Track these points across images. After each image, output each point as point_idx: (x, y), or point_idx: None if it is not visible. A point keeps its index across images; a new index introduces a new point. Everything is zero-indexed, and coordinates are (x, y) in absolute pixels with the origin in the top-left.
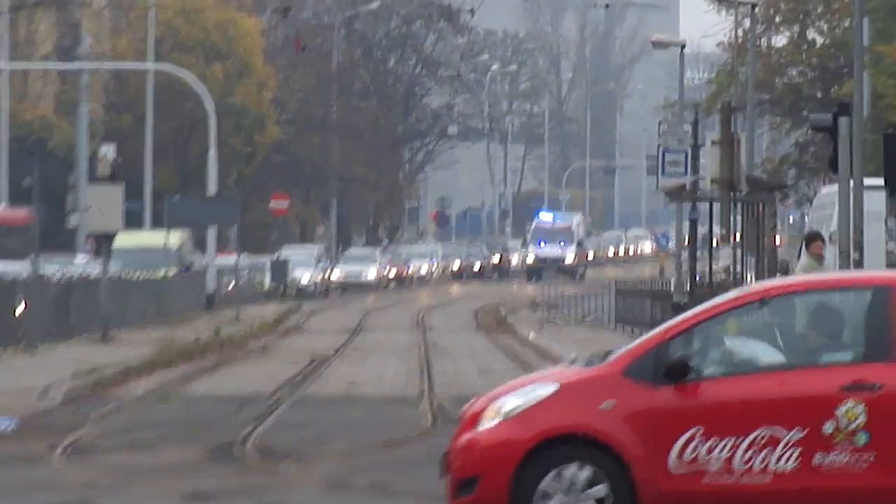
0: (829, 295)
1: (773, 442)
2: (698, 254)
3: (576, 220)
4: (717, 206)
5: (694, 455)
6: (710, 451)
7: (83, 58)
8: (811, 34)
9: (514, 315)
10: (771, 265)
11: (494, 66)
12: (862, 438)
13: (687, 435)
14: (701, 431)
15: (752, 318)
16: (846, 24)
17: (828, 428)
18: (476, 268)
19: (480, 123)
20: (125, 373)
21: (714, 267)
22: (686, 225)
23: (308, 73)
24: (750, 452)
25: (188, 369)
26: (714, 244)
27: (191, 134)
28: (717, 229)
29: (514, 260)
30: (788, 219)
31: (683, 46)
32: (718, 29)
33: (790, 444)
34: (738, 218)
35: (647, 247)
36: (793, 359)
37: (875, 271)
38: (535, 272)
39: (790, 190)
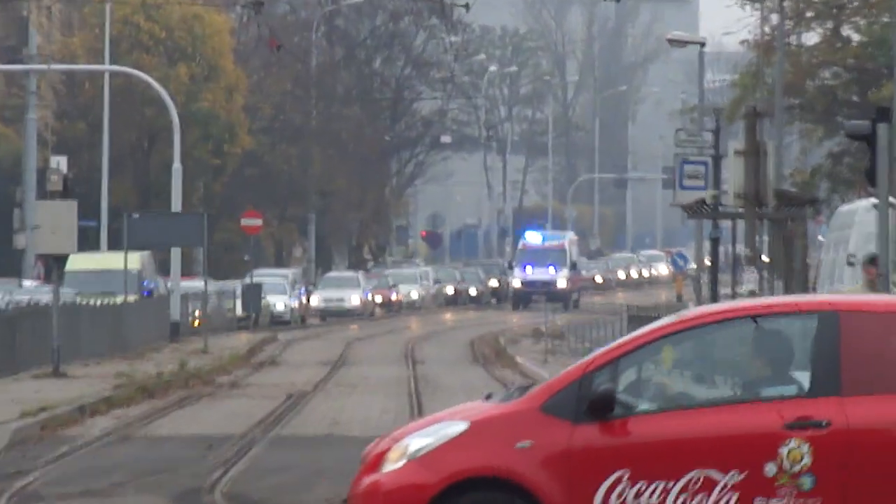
0: (772, 322)
1: (709, 486)
2: (720, 277)
3: (568, 240)
4: (741, 224)
5: (621, 501)
6: (638, 496)
7: (30, 59)
8: (846, 31)
9: (515, 345)
10: (801, 289)
11: (492, 68)
12: (807, 482)
13: (612, 478)
14: (628, 474)
15: (688, 348)
16: (885, 19)
17: (769, 470)
18: (472, 293)
19: (477, 131)
20: (79, 411)
21: (738, 291)
22: (707, 244)
23: (284, 76)
24: (682, 498)
25: (150, 407)
26: (738, 266)
27: (152, 144)
28: (741, 249)
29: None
30: (819, 237)
31: (703, 45)
32: (742, 25)
33: (727, 489)
34: (765, 236)
35: (662, 269)
36: (732, 393)
37: (824, 295)
38: (522, 299)
39: (823, 205)
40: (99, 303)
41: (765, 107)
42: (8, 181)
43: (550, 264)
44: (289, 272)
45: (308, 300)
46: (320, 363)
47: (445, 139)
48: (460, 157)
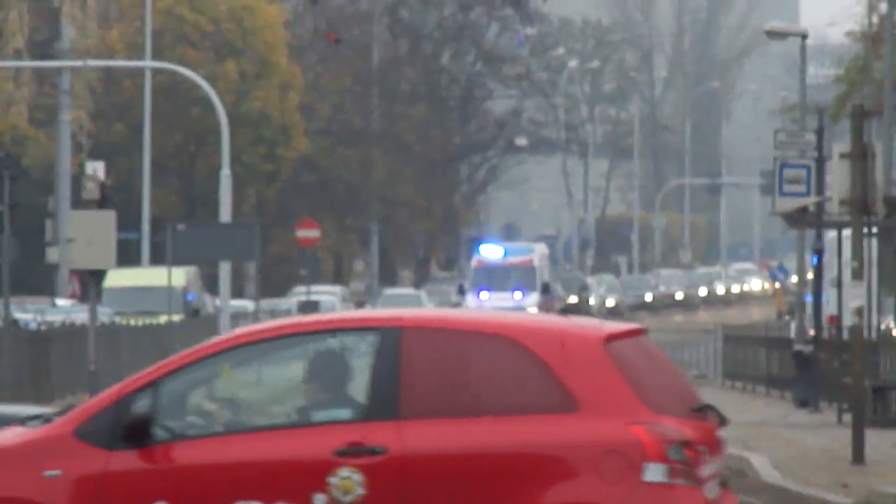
0: (334, 338)
1: None
2: (825, 292)
3: (538, 255)
4: (847, 233)
5: None
6: None
7: (64, 54)
8: None
9: None
10: None
11: (572, 63)
12: None
13: None
14: None
15: (241, 367)
16: None
17: (318, 501)
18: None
19: (555, 133)
20: None
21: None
22: (809, 256)
23: (342, 73)
24: None
25: None
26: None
27: (198, 148)
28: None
29: (593, 300)
30: None
31: (805, 37)
32: (848, 15)
33: None
34: (874, 248)
35: (754, 284)
36: (286, 416)
37: (389, 310)
38: None
39: None
40: (140, 323)
41: (873, 104)
42: (39, 189)
43: (516, 288)
44: (337, 289)
45: None
46: None
47: (521, 142)
48: (537, 162)
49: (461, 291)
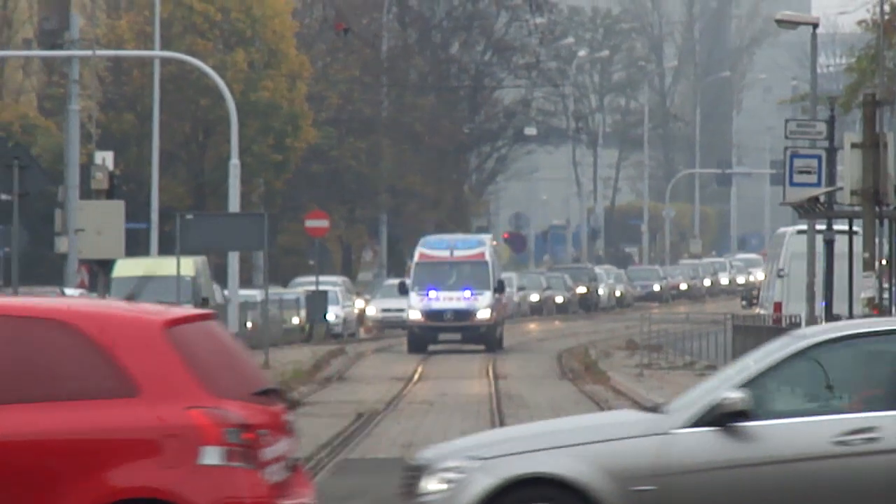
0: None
1: None
2: (835, 283)
3: (488, 247)
4: (858, 224)
5: None
6: None
7: (73, 44)
8: None
9: (607, 359)
10: None
11: (581, 53)
12: None
13: None
14: None
15: None
16: None
17: None
18: (558, 300)
19: (564, 122)
20: None
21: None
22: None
23: (351, 62)
24: None
25: None
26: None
27: (207, 138)
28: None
29: (603, 291)
30: None
31: (816, 26)
32: (859, 4)
33: None
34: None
35: (760, 275)
36: None
37: (70, 299)
38: (424, 339)
39: None
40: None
41: (885, 94)
42: (48, 179)
43: (466, 287)
44: (339, 279)
45: (363, 310)
46: (393, 378)
47: (530, 131)
48: (546, 151)
49: (402, 290)
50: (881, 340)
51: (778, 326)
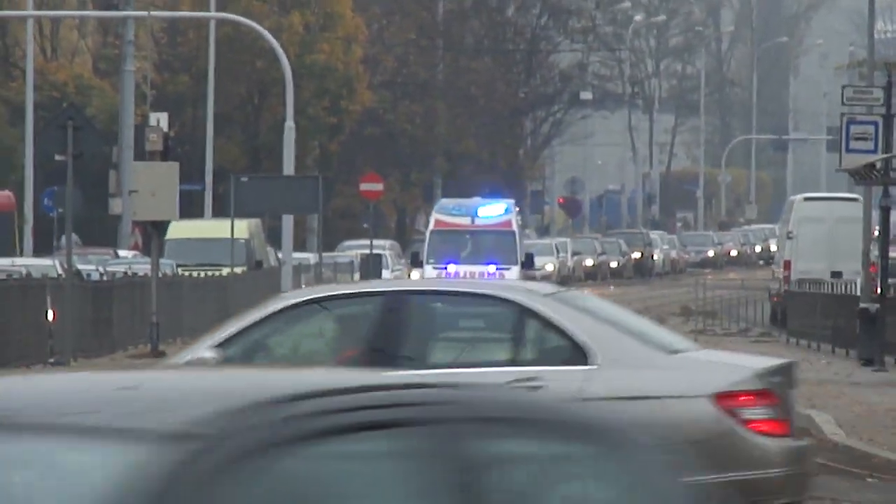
0: None
1: None
2: (892, 250)
3: (514, 214)
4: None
5: None
6: None
7: (128, 4)
8: None
9: (662, 325)
10: None
11: (638, 17)
12: None
13: None
14: None
15: None
16: None
17: None
18: (613, 265)
19: (620, 87)
20: None
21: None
22: (876, 214)
23: (407, 25)
24: None
25: None
26: None
27: (262, 100)
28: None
29: (658, 256)
30: None
31: None
32: None
33: None
34: None
35: None
36: None
37: None
38: None
39: None
40: (202, 275)
41: None
42: (103, 140)
43: (490, 260)
44: (388, 243)
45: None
46: None
47: (586, 96)
48: (602, 116)
49: (415, 262)
50: (354, 303)
51: (833, 294)
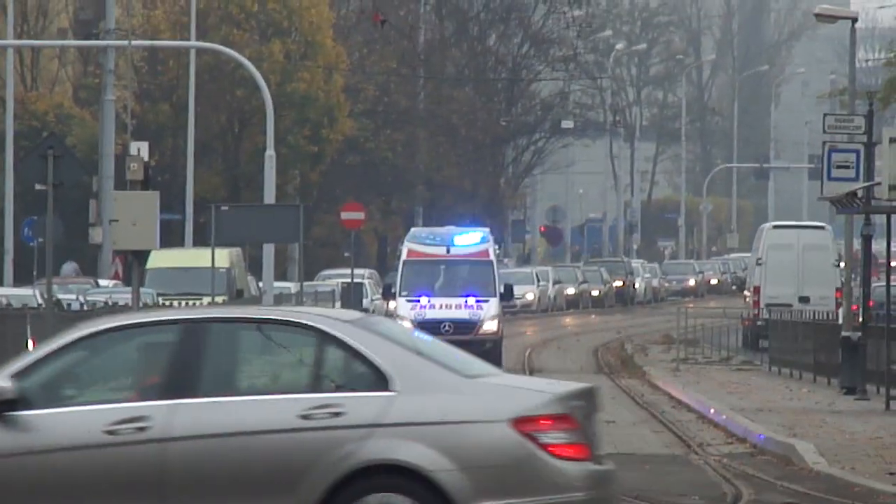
0: None
1: None
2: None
3: (491, 243)
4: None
5: None
6: None
7: (108, 34)
8: None
9: (643, 354)
10: None
11: (619, 45)
12: None
13: None
14: None
15: None
16: None
17: None
18: (594, 294)
19: (602, 116)
20: None
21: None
22: (857, 242)
23: (388, 54)
24: None
25: None
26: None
27: (242, 129)
28: None
29: (640, 285)
30: None
31: (855, 20)
32: None
33: None
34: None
35: None
36: None
37: None
38: None
39: None
40: (183, 304)
41: None
42: (83, 169)
43: (467, 292)
44: (367, 272)
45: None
46: None
47: (567, 124)
48: (583, 145)
49: (387, 294)
50: (157, 331)
51: (815, 322)
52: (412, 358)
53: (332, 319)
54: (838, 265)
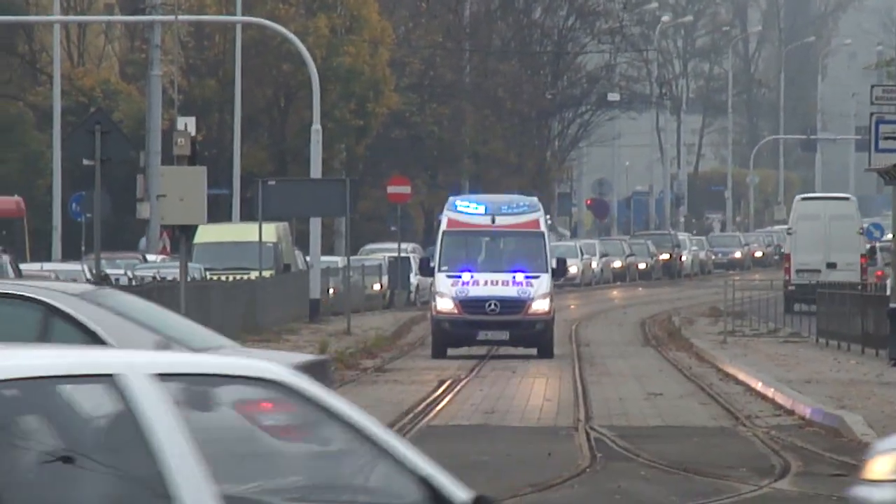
0: None
1: None
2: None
3: (542, 214)
4: None
5: None
6: None
7: (154, 9)
8: None
9: (691, 326)
10: None
11: (665, 17)
12: None
13: None
14: None
15: None
16: None
17: None
18: (641, 267)
19: (648, 88)
20: None
21: None
22: None
23: (434, 28)
24: None
25: None
26: None
27: (289, 104)
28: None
29: (686, 257)
30: None
31: None
32: None
33: None
34: None
35: None
36: None
37: None
38: (455, 337)
39: None
40: (231, 279)
41: None
42: (130, 145)
43: (515, 267)
44: (411, 246)
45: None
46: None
47: (613, 97)
48: (629, 117)
49: (425, 269)
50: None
51: (863, 293)
52: (139, 332)
53: (58, 293)
54: (862, 233)
